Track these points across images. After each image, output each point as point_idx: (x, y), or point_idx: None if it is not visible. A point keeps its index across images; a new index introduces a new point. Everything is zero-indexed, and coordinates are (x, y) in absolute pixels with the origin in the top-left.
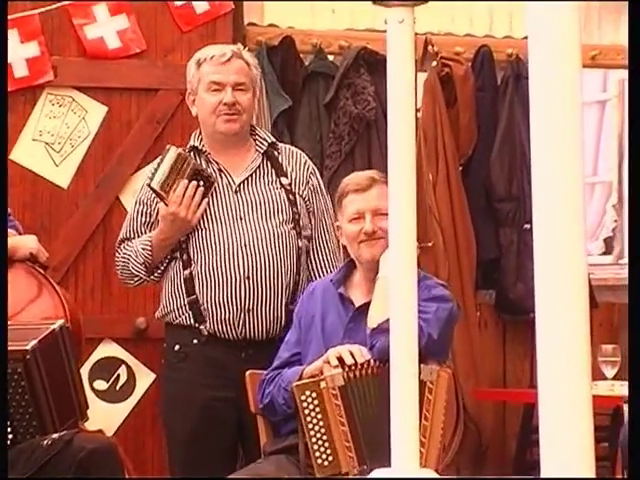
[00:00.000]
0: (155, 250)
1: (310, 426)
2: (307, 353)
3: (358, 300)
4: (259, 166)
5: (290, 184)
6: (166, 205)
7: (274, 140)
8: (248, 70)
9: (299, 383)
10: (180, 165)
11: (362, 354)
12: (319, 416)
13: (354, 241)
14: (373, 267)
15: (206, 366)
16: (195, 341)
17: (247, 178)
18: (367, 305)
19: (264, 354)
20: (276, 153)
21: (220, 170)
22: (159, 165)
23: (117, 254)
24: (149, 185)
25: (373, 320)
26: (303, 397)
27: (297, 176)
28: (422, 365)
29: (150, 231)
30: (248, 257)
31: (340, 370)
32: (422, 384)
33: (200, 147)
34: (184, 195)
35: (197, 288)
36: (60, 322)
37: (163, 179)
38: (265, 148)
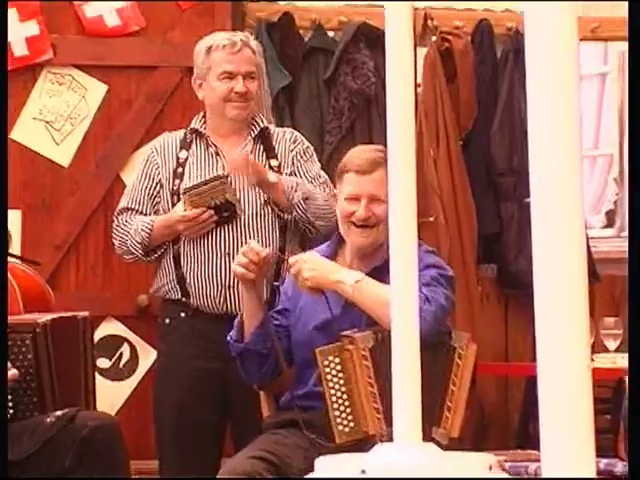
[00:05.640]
0: (154, 234)
1: (332, 392)
2: (296, 323)
3: None
4: (251, 150)
5: (279, 165)
6: (184, 210)
7: (267, 125)
8: (255, 58)
9: (322, 349)
10: (216, 193)
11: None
12: (342, 381)
13: (345, 220)
14: (360, 254)
15: (193, 338)
16: (183, 314)
17: None
18: None
19: None
20: (269, 136)
21: (217, 154)
22: (205, 183)
23: (116, 224)
24: (185, 190)
25: None
26: (326, 362)
27: (285, 154)
28: (454, 331)
29: (153, 207)
30: (229, 234)
31: (370, 331)
32: (453, 350)
33: (201, 130)
34: (197, 219)
35: (183, 263)
36: (86, 313)
37: (196, 196)
38: (256, 133)
